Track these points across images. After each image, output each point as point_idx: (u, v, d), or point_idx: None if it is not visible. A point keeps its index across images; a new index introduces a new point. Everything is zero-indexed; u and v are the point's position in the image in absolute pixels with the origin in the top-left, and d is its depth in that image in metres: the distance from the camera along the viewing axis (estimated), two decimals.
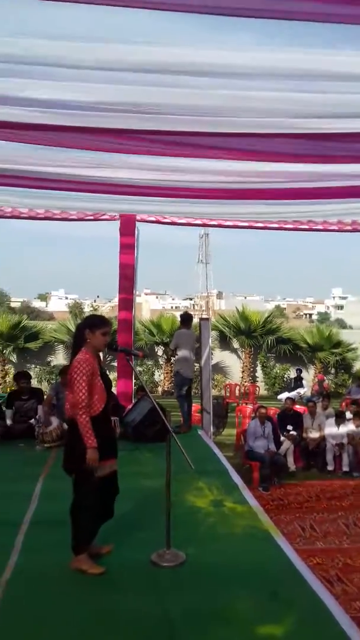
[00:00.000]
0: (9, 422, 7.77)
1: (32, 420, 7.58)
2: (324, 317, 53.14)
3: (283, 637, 3.05)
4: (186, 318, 8.96)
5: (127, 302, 9.99)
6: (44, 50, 3.55)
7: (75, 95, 4.10)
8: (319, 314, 64.00)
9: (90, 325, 3.90)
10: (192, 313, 9.74)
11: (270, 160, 5.54)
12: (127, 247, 9.93)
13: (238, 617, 3.24)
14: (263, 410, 9.06)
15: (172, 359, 8.59)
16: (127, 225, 9.87)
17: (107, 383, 4.01)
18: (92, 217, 9.75)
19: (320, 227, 9.87)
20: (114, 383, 9.76)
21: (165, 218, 9.98)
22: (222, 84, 3.83)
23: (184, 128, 4.44)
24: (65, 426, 4.61)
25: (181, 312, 9.30)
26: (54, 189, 7.09)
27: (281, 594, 3.52)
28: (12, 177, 6.56)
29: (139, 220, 9.94)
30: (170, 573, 3.79)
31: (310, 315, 63.87)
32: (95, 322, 3.98)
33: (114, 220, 9.88)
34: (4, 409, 7.96)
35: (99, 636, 3.05)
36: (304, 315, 61.90)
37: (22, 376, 8.23)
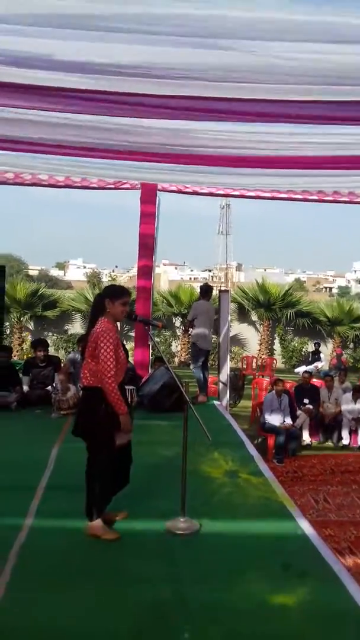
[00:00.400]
0: (25, 388, 7.86)
1: (49, 388, 7.65)
2: (344, 291, 52.52)
3: (295, 606, 3.06)
4: (206, 289, 8.89)
5: (146, 271, 9.93)
6: (69, 11, 3.45)
7: (98, 58, 3.99)
8: (340, 287, 63.29)
9: (110, 295, 3.88)
10: (211, 285, 9.65)
11: (302, 122, 5.34)
12: (148, 216, 9.82)
13: (250, 586, 3.25)
14: (280, 383, 9.04)
15: (190, 330, 8.55)
16: (148, 194, 9.75)
17: (125, 353, 4.01)
18: (112, 186, 9.64)
19: (345, 198, 9.65)
20: (130, 353, 9.80)
21: (187, 187, 9.83)
22: (251, 45, 3.69)
23: (212, 93, 4.32)
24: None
25: (200, 284, 9.22)
26: (75, 155, 6.99)
27: (294, 564, 3.52)
28: (33, 144, 6.50)
29: (160, 190, 9.81)
30: (184, 541, 3.82)
31: (331, 288, 63.18)
32: (116, 291, 3.96)
33: (135, 189, 9.76)
34: (21, 375, 8.04)
35: (112, 600, 3.09)
36: (324, 289, 61.24)
37: (39, 344, 8.28)
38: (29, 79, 4.34)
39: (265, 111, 4.83)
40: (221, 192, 10.26)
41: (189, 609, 3.03)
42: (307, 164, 6.79)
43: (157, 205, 9.86)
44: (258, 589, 3.22)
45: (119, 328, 4.13)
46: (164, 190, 9.82)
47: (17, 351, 16.15)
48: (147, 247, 9.85)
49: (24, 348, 16.63)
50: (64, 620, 2.89)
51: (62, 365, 8.16)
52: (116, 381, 3.73)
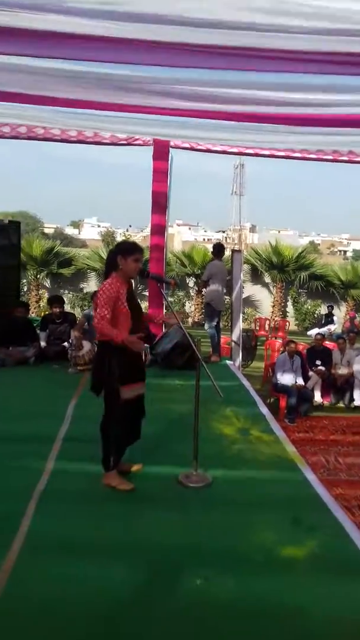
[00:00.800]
0: (43, 344, 7.97)
1: (66, 344, 7.74)
2: (359, 255, 51.87)
3: (304, 559, 3.15)
4: (219, 248, 8.82)
5: (159, 230, 9.86)
6: None
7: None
8: (354, 251, 62.47)
9: (122, 251, 3.86)
10: (224, 244, 9.56)
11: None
12: (160, 173, 9.69)
13: (260, 538, 3.34)
14: (292, 345, 9.06)
15: (203, 290, 8.51)
16: (161, 151, 9.60)
17: (137, 310, 3.99)
18: (125, 142, 9.49)
19: None
20: (144, 312, 9.83)
21: (199, 145, 9.65)
22: None
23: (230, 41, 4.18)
24: None
25: (213, 244, 9.13)
26: (88, 107, 6.86)
27: (304, 519, 3.61)
28: (44, 98, 6.38)
29: (172, 147, 9.65)
30: (196, 493, 3.91)
31: (345, 252, 62.43)
32: (128, 247, 3.94)
33: (147, 145, 9.60)
34: (38, 331, 8.14)
35: (127, 546, 3.19)
36: (338, 252, 60.52)
37: (55, 300, 8.34)
38: (39, 22, 4.20)
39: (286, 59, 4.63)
40: (235, 150, 10.04)
41: (201, 558, 3.13)
42: (322, 122, 6.60)
43: (169, 162, 9.71)
44: (268, 540, 3.31)
45: (132, 286, 4.11)
46: (177, 147, 9.65)
47: (34, 308, 16.27)
48: (159, 204, 9.75)
49: (41, 305, 16.74)
50: (80, 564, 3.00)
51: (77, 321, 8.23)
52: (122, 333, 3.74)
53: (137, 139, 9.43)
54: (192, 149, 9.74)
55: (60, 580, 2.85)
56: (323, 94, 5.65)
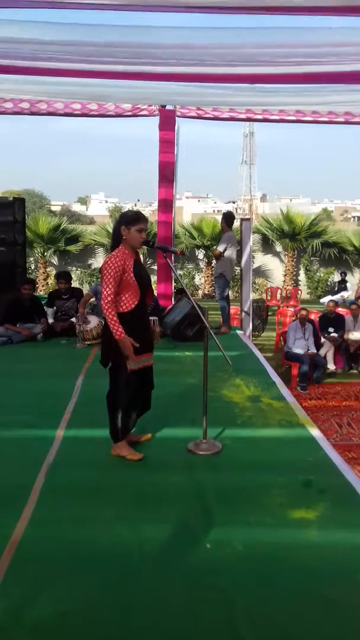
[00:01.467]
0: (50, 320, 7.99)
1: (73, 319, 7.75)
2: None
3: (315, 520, 3.14)
4: (230, 218, 8.66)
5: (167, 202, 9.75)
6: None
7: None
8: None
9: (125, 222, 3.78)
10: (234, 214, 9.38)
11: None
12: (167, 143, 9.54)
13: (271, 500, 3.34)
14: (304, 312, 8.98)
15: (214, 262, 8.40)
16: (167, 121, 9.43)
17: (145, 280, 3.94)
18: (130, 113, 9.33)
19: None
20: (153, 285, 9.78)
21: (206, 113, 9.45)
22: None
23: None
24: None
25: (223, 213, 8.97)
26: (90, 77, 6.75)
27: (314, 481, 3.59)
28: (46, 70, 6.28)
29: (179, 116, 9.46)
30: (206, 460, 3.91)
31: (359, 217, 61.46)
32: (131, 217, 3.84)
33: (153, 115, 9.43)
34: (46, 308, 8.14)
35: (137, 514, 3.21)
36: (352, 218, 59.57)
37: (61, 276, 8.33)
38: None
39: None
40: (243, 116, 9.81)
41: (211, 521, 3.13)
42: (331, 79, 6.41)
43: (176, 132, 9.54)
44: (278, 503, 3.31)
45: (140, 257, 4.06)
46: (183, 116, 9.46)
47: (42, 286, 16.28)
48: (167, 176, 9.61)
49: (49, 283, 16.75)
50: (89, 532, 3.02)
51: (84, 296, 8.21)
52: (126, 307, 3.72)
53: (142, 110, 9.27)
54: (199, 117, 9.55)
55: (70, 545, 2.88)
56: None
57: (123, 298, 3.72)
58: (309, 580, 2.65)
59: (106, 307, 3.63)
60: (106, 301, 3.64)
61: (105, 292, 3.64)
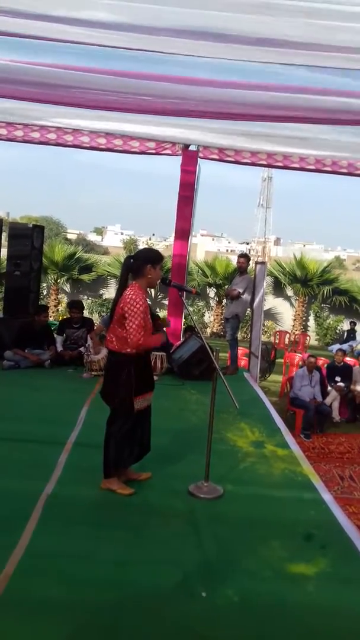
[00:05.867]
0: (59, 348, 7.99)
1: (82, 348, 7.75)
2: None
3: (314, 577, 3.06)
4: (249, 259, 8.86)
5: (183, 238, 9.84)
6: None
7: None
8: None
9: (152, 261, 3.78)
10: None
11: None
12: (188, 183, 9.69)
13: (270, 553, 3.26)
14: (312, 359, 8.95)
15: (229, 301, 8.44)
16: (189, 162, 9.59)
17: (154, 319, 3.99)
18: (154, 151, 9.52)
19: None
20: (163, 321, 9.81)
21: (228, 156, 9.63)
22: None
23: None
24: None
25: (241, 253, 9.09)
26: (118, 109, 6.92)
27: (315, 537, 3.52)
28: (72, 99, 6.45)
29: (201, 157, 9.64)
30: (206, 505, 3.84)
31: None
32: (157, 257, 3.85)
33: (176, 155, 9.61)
34: (55, 335, 8.17)
35: (133, 556, 3.14)
36: None
37: (74, 305, 8.37)
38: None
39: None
40: (264, 162, 9.99)
41: (207, 570, 3.06)
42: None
43: (197, 173, 9.71)
44: (278, 556, 3.23)
45: (149, 293, 4.09)
46: (205, 158, 9.64)
47: (52, 312, 16.38)
48: (185, 213, 9.74)
49: (60, 310, 16.85)
50: (85, 570, 2.95)
51: (95, 327, 8.24)
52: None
53: (166, 149, 9.45)
54: (220, 160, 9.72)
55: (65, 582, 2.81)
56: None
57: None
58: (304, 637, 2.57)
59: (141, 342, 3.64)
60: (138, 337, 3.61)
61: (136, 337, 3.61)
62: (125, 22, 4.06)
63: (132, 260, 3.84)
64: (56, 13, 4.00)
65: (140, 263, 3.80)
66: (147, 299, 3.93)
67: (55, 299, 17.28)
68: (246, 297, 8.26)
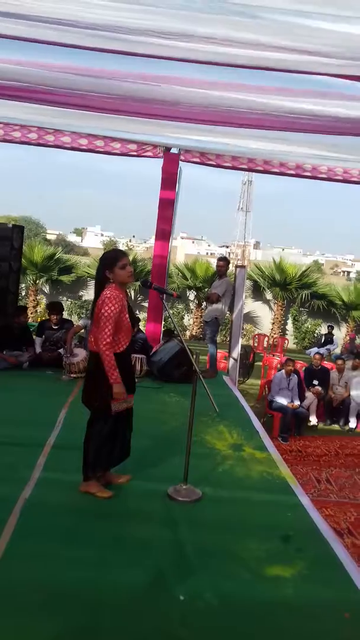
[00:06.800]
0: (38, 349, 7.93)
1: (61, 350, 7.71)
2: None
3: (291, 578, 3.09)
4: (229, 262, 8.86)
5: (163, 239, 9.86)
6: None
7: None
8: (358, 272, 62.52)
9: (106, 265, 3.75)
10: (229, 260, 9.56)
11: None
12: (169, 185, 9.72)
13: (248, 556, 3.29)
14: (290, 363, 9.03)
15: (209, 305, 8.46)
16: (170, 164, 9.63)
17: (132, 319, 3.97)
18: (135, 153, 9.53)
19: None
20: (142, 323, 9.82)
21: (209, 160, 9.68)
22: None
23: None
24: None
25: (216, 259, 9.13)
26: (99, 109, 6.89)
27: (293, 539, 3.56)
28: (55, 95, 6.42)
29: (182, 160, 9.68)
30: (185, 508, 3.85)
31: (349, 272, 62.43)
32: (110, 259, 3.79)
33: (158, 157, 9.63)
34: (34, 336, 8.11)
35: (112, 559, 3.14)
36: (342, 272, 60.53)
37: (54, 307, 8.31)
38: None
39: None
40: (244, 165, 10.08)
41: (186, 572, 3.07)
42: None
43: (178, 175, 9.74)
44: (256, 558, 3.26)
45: (128, 294, 4.09)
46: (187, 160, 9.68)
47: (31, 313, 16.25)
48: (166, 216, 9.76)
49: (38, 311, 16.72)
50: (63, 574, 2.94)
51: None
52: (118, 348, 3.71)
53: (147, 151, 9.47)
54: (202, 163, 9.76)
55: (44, 588, 2.80)
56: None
57: (115, 339, 3.70)
58: (282, 638, 2.60)
59: (104, 349, 3.61)
60: (105, 342, 3.61)
61: (104, 334, 3.60)
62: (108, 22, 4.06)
63: (97, 268, 3.85)
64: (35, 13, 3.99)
65: (99, 272, 3.80)
66: (127, 301, 3.93)
67: (34, 300, 17.14)
68: (225, 300, 8.30)
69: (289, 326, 18.65)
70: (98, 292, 3.78)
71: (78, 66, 5.61)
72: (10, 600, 2.70)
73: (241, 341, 9.10)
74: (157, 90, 5.78)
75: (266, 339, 16.91)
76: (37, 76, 5.81)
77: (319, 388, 9.48)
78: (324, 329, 17.73)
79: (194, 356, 4.18)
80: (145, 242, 53.98)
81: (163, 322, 10.12)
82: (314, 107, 5.59)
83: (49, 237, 51.68)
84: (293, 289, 18.13)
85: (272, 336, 17.71)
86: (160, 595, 2.86)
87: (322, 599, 2.98)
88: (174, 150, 9.53)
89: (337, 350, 16.01)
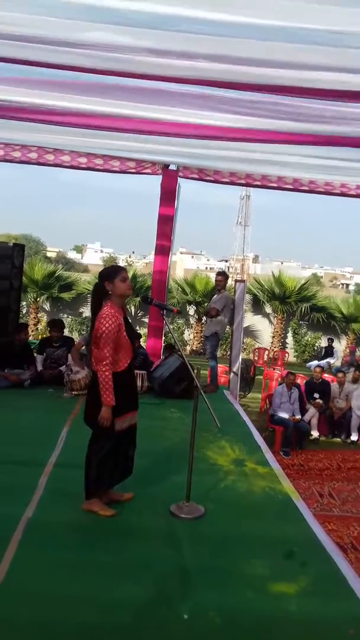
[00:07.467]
0: (39, 367, 7.94)
1: (63, 367, 7.72)
2: None
3: (295, 595, 3.09)
4: (227, 277, 8.91)
5: (163, 254, 9.92)
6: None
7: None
8: (357, 284, 62.63)
9: (106, 277, 3.79)
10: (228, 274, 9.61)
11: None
12: (167, 202, 9.79)
13: (252, 573, 3.28)
14: (291, 377, 9.04)
15: (209, 319, 8.48)
16: (169, 181, 9.72)
17: (134, 337, 3.98)
18: (134, 170, 9.62)
19: None
20: (142, 339, 9.84)
21: (207, 176, 9.78)
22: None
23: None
24: None
25: (218, 271, 9.18)
26: (100, 127, 6.96)
27: (296, 555, 3.55)
28: (55, 114, 6.49)
29: (181, 177, 9.78)
30: (187, 525, 3.85)
31: (348, 285, 62.55)
32: (110, 272, 3.86)
33: (157, 174, 9.73)
34: (35, 354, 8.12)
35: (114, 578, 3.13)
36: (340, 285, 60.67)
37: (55, 324, 8.33)
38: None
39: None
40: (242, 181, 10.17)
41: (189, 589, 3.07)
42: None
43: (177, 192, 9.83)
44: (259, 575, 3.25)
45: (128, 310, 4.11)
46: (185, 177, 9.77)
47: (32, 331, 16.27)
48: (165, 232, 9.82)
49: (39, 328, 16.74)
50: (65, 593, 2.94)
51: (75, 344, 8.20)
52: (119, 367, 3.72)
53: (146, 168, 9.56)
54: (200, 179, 9.86)
55: (47, 604, 2.79)
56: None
57: (116, 358, 3.71)
58: None
59: (103, 369, 3.62)
60: (104, 363, 3.61)
61: (103, 354, 3.61)
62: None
63: (95, 284, 3.89)
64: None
65: (98, 283, 3.84)
66: (127, 317, 3.96)
67: (34, 318, 17.18)
68: (225, 314, 8.32)
69: (289, 339, 18.66)
70: (95, 309, 3.80)
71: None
72: (13, 621, 2.69)
73: (241, 355, 9.12)
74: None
75: (266, 352, 16.91)
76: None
77: (320, 401, 9.47)
78: (324, 342, 17.75)
79: (195, 371, 4.19)
80: (144, 257, 54.14)
81: (163, 338, 10.14)
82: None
83: (49, 254, 51.85)
84: (292, 302, 18.18)
85: (272, 350, 17.72)
86: (164, 613, 2.85)
87: (326, 615, 2.97)
88: (172, 167, 9.63)
89: (338, 363, 16.01)
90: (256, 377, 12.15)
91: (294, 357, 18.13)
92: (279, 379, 10.90)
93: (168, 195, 9.76)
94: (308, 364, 15.54)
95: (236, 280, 10.49)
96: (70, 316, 17.63)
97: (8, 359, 7.75)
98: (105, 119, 6.52)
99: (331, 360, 15.82)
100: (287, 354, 17.12)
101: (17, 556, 3.24)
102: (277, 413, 8.75)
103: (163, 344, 9.95)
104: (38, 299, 17.43)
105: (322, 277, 62.42)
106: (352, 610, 3.04)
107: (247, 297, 17.87)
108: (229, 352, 10.86)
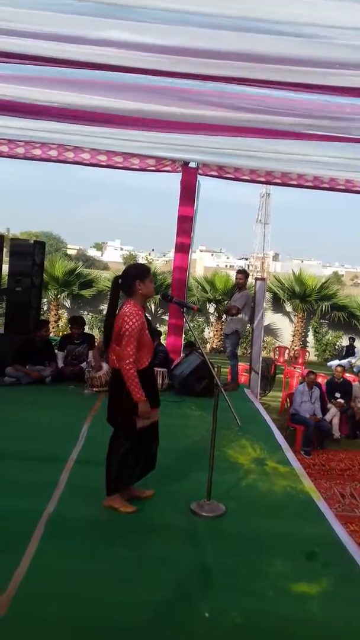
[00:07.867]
0: (60, 364, 7.99)
1: (83, 364, 7.76)
2: None
3: (317, 596, 3.05)
4: (248, 275, 8.88)
5: (183, 253, 9.90)
6: None
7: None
8: None
9: (139, 275, 3.79)
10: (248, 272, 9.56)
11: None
12: (187, 200, 9.77)
13: (273, 572, 3.25)
14: (312, 376, 8.97)
15: (229, 317, 8.45)
16: (189, 178, 9.69)
17: (155, 335, 3.98)
18: (154, 168, 9.62)
19: None
20: (163, 337, 9.83)
21: (227, 173, 9.73)
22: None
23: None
24: None
25: (235, 271, 9.14)
26: (117, 123, 6.98)
27: (318, 555, 3.51)
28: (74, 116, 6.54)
29: (200, 174, 9.74)
30: (208, 523, 3.83)
31: None
32: (144, 271, 3.87)
33: (176, 172, 9.71)
34: (56, 351, 8.17)
35: (135, 576, 3.13)
36: None
37: (76, 321, 8.39)
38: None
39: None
40: (262, 178, 10.10)
41: (210, 588, 3.06)
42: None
43: (197, 189, 9.80)
44: (281, 575, 3.22)
45: (148, 308, 4.12)
46: (205, 174, 9.74)
47: (53, 328, 16.39)
48: (184, 231, 9.80)
49: (60, 325, 16.86)
50: (86, 590, 2.94)
51: (96, 343, 8.25)
52: (141, 364, 3.72)
53: (165, 165, 9.55)
54: (220, 176, 9.81)
55: (67, 601, 2.80)
56: None
57: (138, 356, 3.70)
58: None
59: (128, 367, 3.62)
60: (128, 361, 3.61)
61: (127, 352, 3.61)
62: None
63: (120, 280, 3.85)
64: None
65: (129, 280, 3.80)
66: (147, 314, 3.95)
67: (55, 315, 17.31)
68: (245, 312, 8.29)
69: (310, 338, 18.51)
70: (113, 305, 3.80)
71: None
72: (34, 617, 2.70)
73: (262, 354, 9.07)
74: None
75: (287, 351, 16.80)
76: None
77: (342, 401, 9.38)
78: (345, 341, 17.56)
79: (215, 369, 4.18)
80: (164, 255, 54.19)
81: (183, 336, 10.13)
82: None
83: (69, 252, 52.23)
84: (313, 301, 18.03)
85: (293, 348, 17.59)
86: (184, 612, 2.84)
87: (347, 616, 2.93)
88: (192, 164, 9.60)
89: (359, 363, 15.83)
90: (277, 375, 12.07)
91: (315, 356, 17.98)
92: (300, 378, 10.82)
93: (188, 193, 9.73)
94: (329, 363, 15.40)
95: (256, 279, 10.43)
96: (90, 313, 17.72)
97: (29, 356, 7.82)
98: (126, 117, 6.57)
99: (352, 360, 15.65)
100: (307, 353, 16.97)
101: (38, 550, 3.26)
102: (298, 412, 8.69)
103: (183, 342, 9.95)
104: (59, 296, 17.55)
105: (343, 275, 61.74)
106: None
107: (267, 295, 17.76)
108: (249, 351, 10.81)
